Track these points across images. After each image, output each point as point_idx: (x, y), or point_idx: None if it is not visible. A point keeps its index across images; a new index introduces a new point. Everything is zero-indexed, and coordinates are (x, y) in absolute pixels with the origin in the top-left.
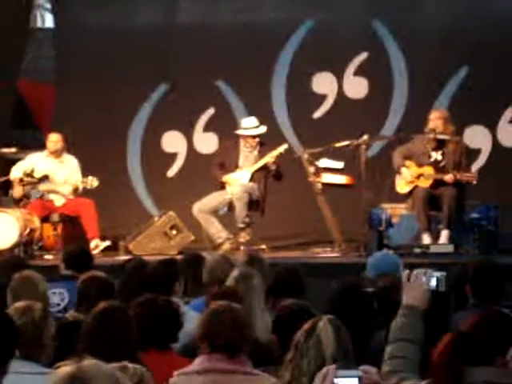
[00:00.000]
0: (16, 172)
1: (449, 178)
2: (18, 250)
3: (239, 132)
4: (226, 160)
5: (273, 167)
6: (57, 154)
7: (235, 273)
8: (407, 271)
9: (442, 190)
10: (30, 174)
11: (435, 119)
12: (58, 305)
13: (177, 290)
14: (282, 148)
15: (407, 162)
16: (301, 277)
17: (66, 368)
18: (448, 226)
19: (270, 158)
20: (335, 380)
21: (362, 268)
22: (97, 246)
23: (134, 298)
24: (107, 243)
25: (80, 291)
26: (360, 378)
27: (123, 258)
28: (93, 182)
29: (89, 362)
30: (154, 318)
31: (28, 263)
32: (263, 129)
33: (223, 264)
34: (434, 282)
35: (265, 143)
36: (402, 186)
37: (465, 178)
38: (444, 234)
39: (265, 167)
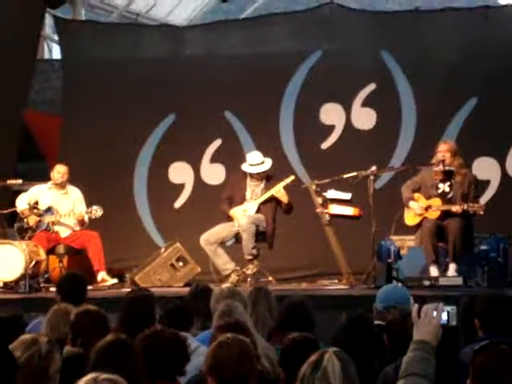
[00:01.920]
0: (20, 203)
1: (456, 208)
2: (24, 283)
3: (244, 168)
4: (233, 193)
5: (284, 199)
6: (61, 185)
7: (219, 308)
8: (417, 305)
9: (449, 222)
10: (34, 206)
11: (443, 151)
12: None
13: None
14: (289, 179)
15: (416, 195)
16: (308, 309)
17: None
18: (455, 259)
19: (276, 189)
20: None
21: (370, 300)
22: (103, 279)
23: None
24: (115, 280)
25: (74, 325)
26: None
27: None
28: (97, 211)
29: None
30: (161, 350)
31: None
32: (268, 165)
33: (231, 296)
34: (444, 317)
35: (272, 176)
36: (410, 218)
37: (472, 209)
38: (451, 267)
39: (272, 200)
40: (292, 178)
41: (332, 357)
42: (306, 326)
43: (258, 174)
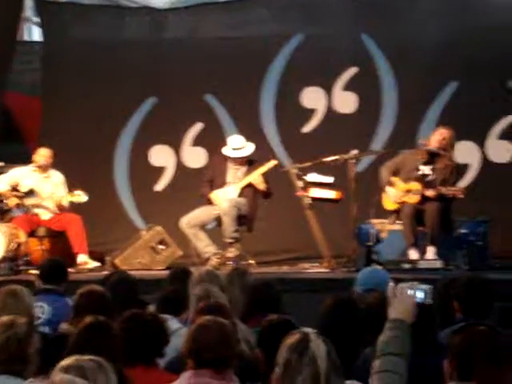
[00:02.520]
0: (0, 185)
1: (430, 193)
2: (4, 265)
3: (225, 152)
4: (214, 176)
5: (261, 187)
6: (44, 168)
7: (196, 292)
8: (392, 285)
9: (427, 205)
10: (14, 188)
11: (441, 134)
12: (39, 318)
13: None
14: (271, 164)
15: (393, 179)
16: (275, 291)
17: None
18: (433, 242)
19: (258, 174)
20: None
21: (350, 284)
22: (85, 262)
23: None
24: (97, 263)
25: (76, 304)
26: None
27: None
28: (81, 196)
29: (61, 377)
30: (139, 332)
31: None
32: (250, 149)
33: (210, 279)
34: (420, 295)
35: (253, 160)
36: (388, 203)
37: (450, 193)
38: (430, 250)
39: (253, 184)
40: (274, 162)
41: (318, 340)
42: (273, 306)
43: (240, 158)
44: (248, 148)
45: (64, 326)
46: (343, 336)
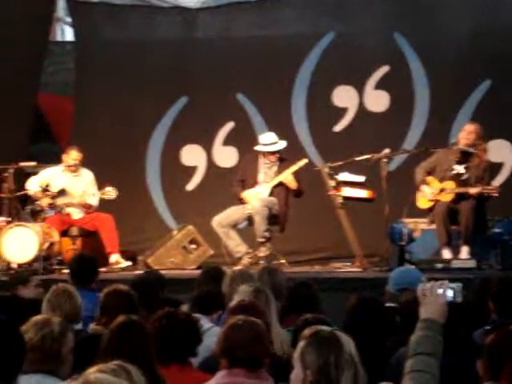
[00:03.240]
0: (31, 186)
1: (473, 190)
2: (38, 265)
3: (258, 148)
4: (246, 176)
5: (292, 186)
6: (73, 167)
7: (247, 288)
8: (422, 285)
9: (461, 205)
10: (45, 189)
11: (468, 132)
12: None
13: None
14: (302, 162)
15: (429, 178)
16: (312, 289)
17: (73, 382)
18: (467, 242)
19: (289, 172)
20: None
21: (383, 283)
22: (117, 262)
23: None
24: (129, 263)
25: (102, 304)
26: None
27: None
28: (112, 192)
29: (95, 375)
30: (173, 331)
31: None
32: (282, 144)
33: (243, 278)
34: (450, 293)
35: (285, 158)
36: (423, 201)
37: (487, 192)
38: (464, 250)
39: (285, 183)
40: (305, 161)
41: (349, 340)
42: (311, 305)
43: (273, 153)
44: (280, 143)
45: (92, 326)
46: (367, 334)
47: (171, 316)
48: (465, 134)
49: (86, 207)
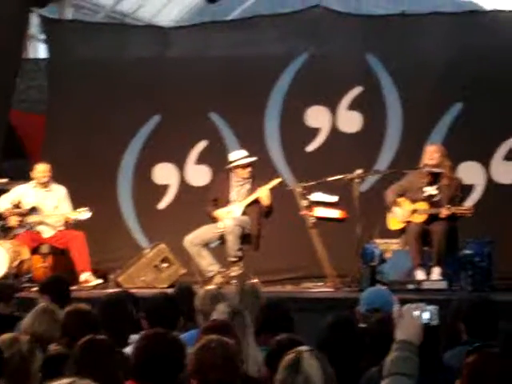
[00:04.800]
0: (2, 204)
1: (444, 213)
2: (7, 282)
3: (230, 165)
4: (218, 195)
5: (266, 202)
6: (45, 184)
7: (225, 308)
8: (398, 306)
9: (434, 226)
10: (17, 206)
11: (431, 153)
12: None
13: (179, 326)
14: (276, 182)
15: (400, 200)
16: (285, 308)
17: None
18: (439, 263)
19: (262, 191)
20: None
21: (354, 303)
22: (87, 280)
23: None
24: (99, 281)
25: (63, 324)
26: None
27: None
28: (85, 213)
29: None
30: (160, 353)
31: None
32: (253, 158)
33: (216, 298)
34: (427, 316)
35: (257, 177)
36: (394, 223)
37: (460, 212)
38: (435, 271)
39: (258, 202)
40: (279, 180)
41: (310, 358)
42: (285, 325)
43: (244, 168)
44: (252, 158)
45: (53, 347)
46: (342, 354)
47: (160, 336)
48: (429, 155)
49: (68, 223)
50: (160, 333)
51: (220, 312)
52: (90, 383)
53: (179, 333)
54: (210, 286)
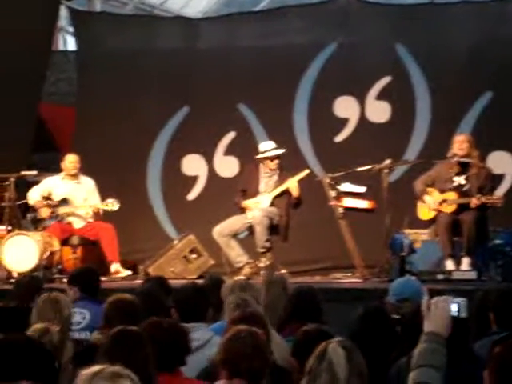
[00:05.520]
0: (32, 196)
1: (474, 202)
2: (38, 274)
3: (258, 156)
4: (247, 186)
5: (295, 193)
6: (74, 175)
7: (231, 301)
8: (427, 298)
9: (463, 216)
10: (47, 198)
11: (460, 142)
12: (79, 323)
13: (208, 317)
14: (304, 173)
15: (429, 189)
16: (316, 297)
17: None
18: (469, 253)
19: (291, 183)
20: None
21: (384, 293)
22: (117, 271)
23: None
24: (129, 272)
25: (106, 313)
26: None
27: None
28: (113, 204)
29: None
30: (158, 340)
31: (42, 284)
32: (282, 150)
33: (242, 288)
34: (455, 308)
35: (285, 168)
36: (424, 213)
37: (490, 201)
38: (465, 261)
39: (286, 193)
40: (307, 171)
41: (336, 346)
42: (314, 314)
43: (272, 160)
44: (280, 149)
45: (95, 335)
46: (374, 345)
47: (156, 325)
48: (458, 145)
49: (96, 215)
50: (155, 321)
51: (228, 304)
52: (122, 369)
53: (208, 324)
54: (239, 277)
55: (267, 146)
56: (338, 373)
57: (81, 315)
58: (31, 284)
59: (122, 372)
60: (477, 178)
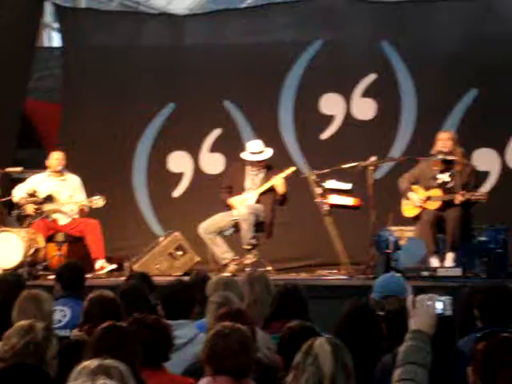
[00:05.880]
0: (17, 193)
1: (457, 198)
2: (22, 270)
3: (244, 156)
4: (233, 183)
5: (281, 191)
6: (60, 172)
7: (214, 300)
8: (412, 296)
9: (448, 212)
10: (32, 195)
11: (444, 140)
12: (60, 321)
13: (194, 313)
14: (289, 170)
15: (414, 187)
16: (302, 294)
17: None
18: (452, 249)
19: (276, 180)
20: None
21: (369, 290)
22: (102, 267)
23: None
24: (113, 266)
25: (85, 310)
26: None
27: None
28: (99, 201)
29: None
30: (141, 337)
31: (25, 282)
32: (268, 153)
33: (226, 286)
34: (440, 306)
35: (271, 166)
36: (409, 210)
37: (474, 198)
38: (449, 257)
39: (272, 190)
40: (293, 169)
41: (322, 342)
42: (300, 312)
43: (258, 162)
44: (267, 152)
45: (75, 332)
46: (359, 342)
47: (139, 321)
48: (442, 142)
49: (82, 212)
50: (138, 318)
51: (211, 303)
52: (120, 364)
53: (194, 320)
54: (224, 274)
55: (254, 148)
56: (323, 368)
57: (61, 313)
58: (13, 281)
59: (113, 365)
60: (461, 175)
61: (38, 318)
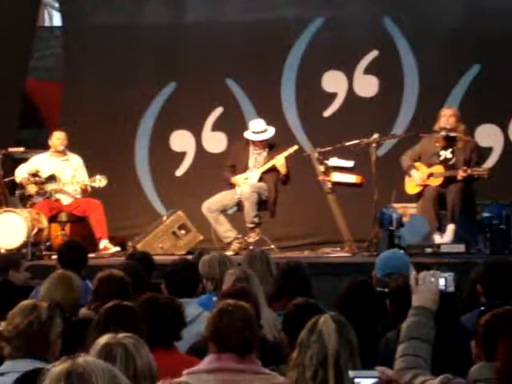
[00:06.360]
0: (20, 173)
1: (460, 174)
2: (26, 250)
3: (247, 136)
4: (236, 161)
5: (283, 170)
6: (62, 152)
7: (234, 273)
8: (414, 273)
9: (449, 187)
10: (35, 175)
11: (447, 116)
12: None
13: (198, 292)
14: (292, 149)
15: (416, 164)
16: (305, 271)
17: (61, 364)
18: (452, 220)
19: (278, 160)
20: (356, 380)
21: (372, 268)
22: (106, 247)
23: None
24: (117, 248)
25: (95, 289)
26: (379, 379)
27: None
28: (101, 181)
29: (84, 358)
30: (155, 316)
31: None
32: (271, 133)
33: (221, 263)
34: (442, 283)
35: (274, 144)
36: (411, 187)
37: (477, 173)
38: (449, 228)
39: (275, 169)
40: (295, 147)
41: (327, 319)
42: (303, 289)
43: (261, 141)
44: (269, 131)
45: (83, 311)
46: (359, 318)
47: (152, 301)
48: (444, 118)
49: (84, 191)
50: (152, 297)
51: (230, 276)
52: (133, 335)
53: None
54: (227, 252)
55: (257, 127)
56: (328, 345)
57: None
58: (7, 258)
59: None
60: (463, 152)
61: (67, 299)
